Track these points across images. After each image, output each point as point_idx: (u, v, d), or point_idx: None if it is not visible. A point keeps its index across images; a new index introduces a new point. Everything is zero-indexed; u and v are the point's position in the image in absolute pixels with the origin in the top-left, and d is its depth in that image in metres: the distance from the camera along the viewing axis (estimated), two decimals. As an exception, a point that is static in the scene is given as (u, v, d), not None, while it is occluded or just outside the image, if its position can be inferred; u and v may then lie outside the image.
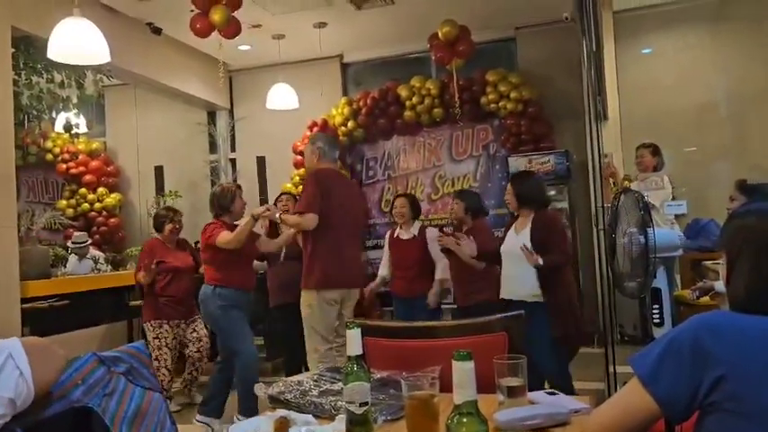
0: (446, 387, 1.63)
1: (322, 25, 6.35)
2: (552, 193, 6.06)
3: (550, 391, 1.60)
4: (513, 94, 6.34)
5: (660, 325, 3.51)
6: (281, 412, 1.47)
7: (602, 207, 3.12)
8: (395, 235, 4.78)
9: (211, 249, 4.03)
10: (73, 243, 6.37)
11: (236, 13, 4.87)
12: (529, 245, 3.31)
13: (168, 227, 4.80)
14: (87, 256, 6.37)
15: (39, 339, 1.11)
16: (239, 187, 4.41)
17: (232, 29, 4.84)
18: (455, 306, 4.69)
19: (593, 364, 3.85)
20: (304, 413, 1.50)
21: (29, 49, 5.27)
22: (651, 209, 3.57)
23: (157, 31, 6.17)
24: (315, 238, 3.78)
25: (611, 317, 3.11)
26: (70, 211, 7.60)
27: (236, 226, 4.08)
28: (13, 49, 4.93)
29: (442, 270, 4.52)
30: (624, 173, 5.90)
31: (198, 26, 4.81)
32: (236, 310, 4.03)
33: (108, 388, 1.41)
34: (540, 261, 3.27)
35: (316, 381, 1.70)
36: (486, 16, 6.26)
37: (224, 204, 4.18)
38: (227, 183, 5.53)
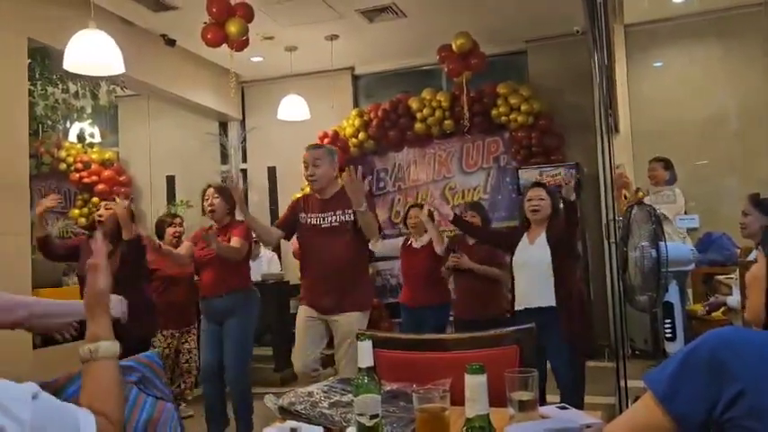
0: (456, 400, 1.63)
1: (334, 37, 6.39)
2: (563, 206, 6.06)
3: (561, 405, 1.59)
4: (523, 107, 6.35)
5: (672, 339, 3.48)
6: (291, 424, 1.47)
7: (614, 220, 3.11)
8: (408, 243, 4.81)
9: None
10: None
11: (248, 25, 4.91)
12: (548, 256, 3.31)
13: (170, 231, 4.84)
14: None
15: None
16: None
17: (242, 41, 4.89)
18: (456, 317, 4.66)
19: (604, 378, 3.83)
20: (314, 425, 1.50)
21: (45, 60, 5.34)
22: (663, 222, 3.55)
23: (171, 42, 6.24)
24: (367, 262, 3.76)
25: (623, 331, 3.09)
26: (83, 220, 7.64)
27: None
28: (30, 60, 5.00)
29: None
30: (635, 186, 5.89)
31: (209, 36, 4.86)
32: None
33: (120, 397, 1.41)
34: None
35: (326, 392, 1.70)
36: (496, 29, 6.28)
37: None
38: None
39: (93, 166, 7.88)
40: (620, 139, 6.34)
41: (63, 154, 7.69)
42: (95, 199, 7.78)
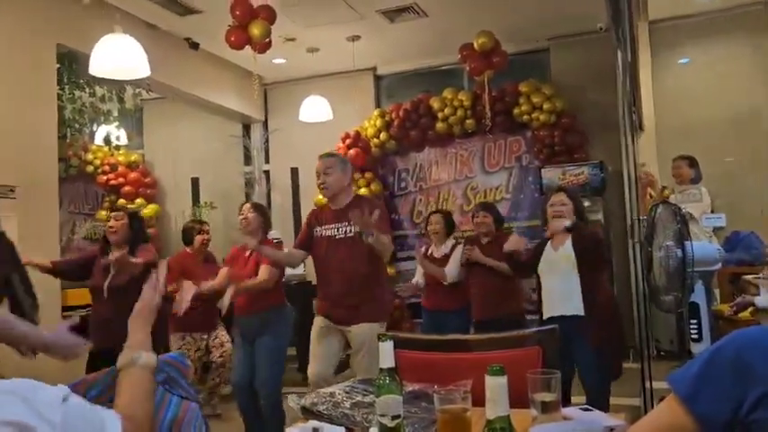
0: (478, 401, 1.63)
1: (355, 38, 6.42)
2: (587, 204, 5.99)
3: (585, 407, 1.58)
4: (545, 106, 6.31)
5: (698, 340, 3.43)
6: (314, 424, 1.48)
7: (638, 219, 3.07)
8: (429, 252, 4.77)
9: None
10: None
11: (271, 27, 4.95)
12: (572, 258, 3.28)
13: (198, 238, 4.88)
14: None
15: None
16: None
17: (265, 43, 4.93)
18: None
19: (629, 379, 3.78)
20: (336, 425, 1.51)
21: (72, 65, 5.44)
22: (689, 221, 3.49)
23: (195, 46, 6.32)
24: (384, 271, 3.59)
25: (647, 332, 3.05)
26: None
27: None
28: (58, 65, 5.10)
29: (453, 274, 4.50)
30: (660, 184, 5.81)
31: (233, 39, 4.90)
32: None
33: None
34: (567, 223, 3.28)
35: (348, 392, 1.71)
36: (518, 28, 6.25)
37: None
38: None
39: (120, 169, 7.99)
40: (645, 137, 6.26)
41: (90, 157, 7.82)
42: (122, 201, 7.92)
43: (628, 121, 4.21)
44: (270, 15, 4.90)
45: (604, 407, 3.03)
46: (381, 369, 1.39)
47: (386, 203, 7.24)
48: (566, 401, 3.25)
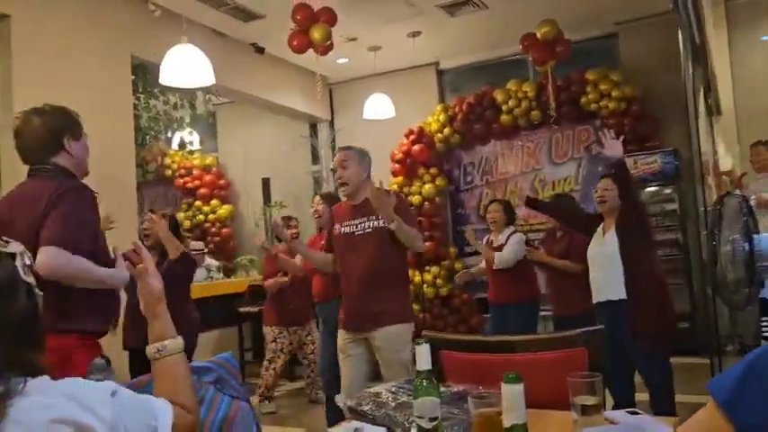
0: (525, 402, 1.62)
1: (416, 34, 6.41)
2: (667, 191, 5.75)
3: (632, 410, 1.54)
4: (614, 93, 6.10)
5: (771, 338, 3.25)
6: (356, 424, 1.51)
7: (704, 210, 2.92)
8: (489, 240, 4.75)
9: None
10: (191, 251, 6.81)
11: (332, 28, 5.02)
12: (617, 247, 3.22)
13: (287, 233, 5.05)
14: (203, 264, 6.80)
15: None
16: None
17: (326, 45, 5.00)
18: (551, 314, 4.58)
19: (700, 375, 3.62)
20: (378, 425, 1.54)
21: (146, 75, 5.72)
22: (764, 212, 3.30)
23: (261, 50, 6.50)
24: (406, 272, 3.30)
25: (716, 325, 2.91)
26: (187, 223, 8.13)
27: None
28: (133, 76, 5.38)
29: (503, 259, 4.46)
30: (740, 171, 5.50)
31: (295, 43, 5.00)
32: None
33: (198, 395, 1.52)
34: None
35: (394, 393, 1.73)
36: (584, 14, 6.06)
37: None
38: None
39: (195, 172, 8.36)
40: (724, 121, 5.95)
41: (168, 161, 8.21)
42: (198, 202, 8.27)
43: (701, 106, 4.02)
44: (330, 18, 4.97)
45: (665, 402, 2.93)
46: (419, 372, 1.41)
47: (452, 198, 7.23)
48: (631, 399, 3.17)
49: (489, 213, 4.74)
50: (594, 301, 3.45)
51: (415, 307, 6.75)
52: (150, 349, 1.28)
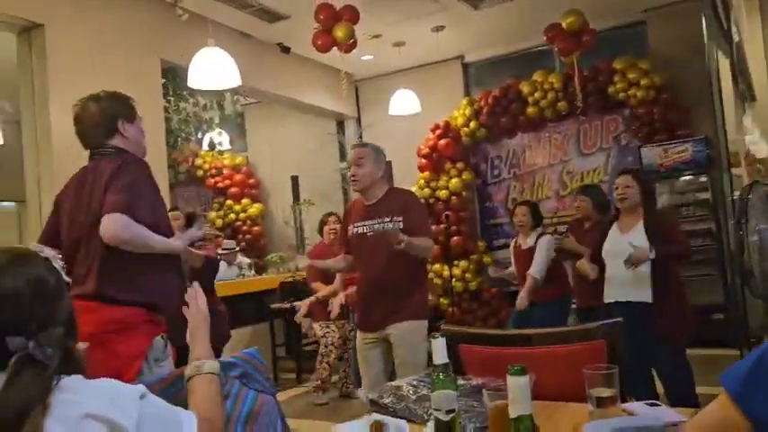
0: (543, 395, 1.64)
1: (440, 29, 6.41)
2: (702, 180, 5.64)
3: (651, 402, 1.55)
4: (643, 81, 6.00)
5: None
6: (375, 416, 1.55)
7: (731, 199, 2.88)
8: (517, 243, 4.73)
9: None
10: (223, 249, 6.95)
11: (355, 26, 5.06)
12: (646, 243, 3.15)
13: (326, 228, 5.14)
14: (235, 262, 6.93)
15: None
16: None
17: (350, 44, 5.05)
18: (575, 306, 4.53)
19: (727, 368, 3.57)
20: (399, 418, 1.58)
21: (176, 78, 5.85)
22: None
23: (286, 50, 6.58)
24: (422, 269, 3.26)
25: (744, 316, 2.87)
26: (219, 222, 8.29)
27: None
28: (163, 80, 5.51)
29: (537, 269, 4.39)
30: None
31: (319, 43, 5.06)
32: None
33: (224, 390, 1.58)
34: (652, 255, 3.10)
35: (414, 386, 1.77)
36: (610, 2, 5.98)
37: None
38: None
39: (225, 172, 8.50)
40: (759, 107, 5.81)
41: (199, 162, 8.37)
42: (229, 202, 8.41)
43: (731, 92, 3.94)
44: (353, 16, 5.01)
45: (688, 398, 2.90)
46: (435, 365, 1.44)
47: (479, 192, 7.21)
48: (653, 396, 3.15)
49: (516, 216, 4.70)
50: (612, 300, 3.36)
51: (444, 301, 6.80)
52: (190, 367, 1.37)
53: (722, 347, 4.48)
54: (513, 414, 1.05)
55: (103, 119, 2.38)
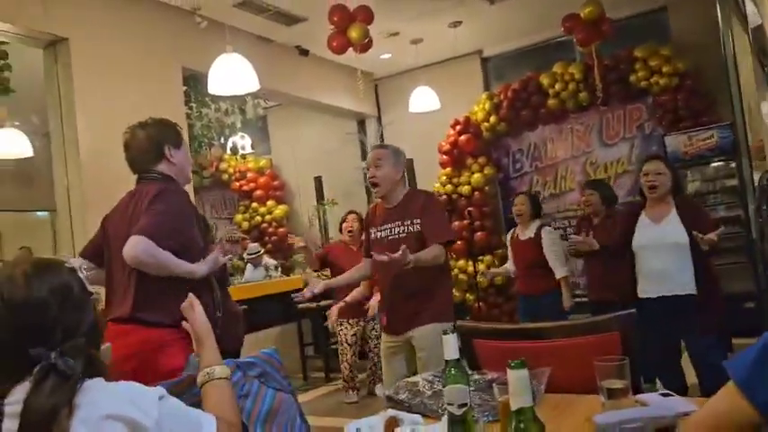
0: (558, 388, 1.65)
1: (457, 24, 6.41)
2: (731, 166, 5.54)
3: (665, 392, 1.55)
4: (665, 68, 5.92)
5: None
6: (391, 412, 1.58)
7: (752, 186, 2.84)
8: (515, 234, 4.68)
9: None
10: (248, 254, 7.06)
11: (372, 24, 5.09)
12: (684, 236, 3.05)
13: (344, 226, 5.20)
14: (261, 264, 7.03)
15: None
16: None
17: (365, 43, 5.08)
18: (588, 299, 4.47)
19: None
20: (414, 413, 1.60)
21: (197, 85, 5.95)
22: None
23: (305, 52, 6.63)
24: (445, 269, 3.16)
25: (765, 304, 2.82)
26: (245, 224, 8.40)
27: None
28: (185, 87, 5.61)
29: (561, 268, 4.37)
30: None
31: (335, 44, 5.11)
32: None
33: (244, 390, 1.63)
34: (715, 237, 2.92)
35: (430, 381, 1.79)
36: (629, -11, 5.91)
37: None
38: None
39: (250, 175, 8.60)
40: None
41: (224, 166, 8.49)
42: (255, 204, 8.52)
43: (760, 76, 3.87)
44: (367, 16, 5.04)
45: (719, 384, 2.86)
46: (447, 361, 1.46)
47: (502, 186, 7.19)
48: (680, 385, 3.11)
49: (515, 207, 4.64)
50: (650, 295, 3.21)
51: (470, 297, 6.79)
52: (201, 375, 1.42)
53: (752, 337, 4.38)
54: (514, 406, 1.07)
55: (151, 145, 2.47)
